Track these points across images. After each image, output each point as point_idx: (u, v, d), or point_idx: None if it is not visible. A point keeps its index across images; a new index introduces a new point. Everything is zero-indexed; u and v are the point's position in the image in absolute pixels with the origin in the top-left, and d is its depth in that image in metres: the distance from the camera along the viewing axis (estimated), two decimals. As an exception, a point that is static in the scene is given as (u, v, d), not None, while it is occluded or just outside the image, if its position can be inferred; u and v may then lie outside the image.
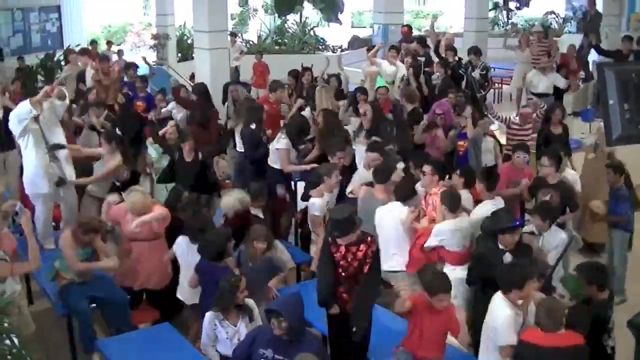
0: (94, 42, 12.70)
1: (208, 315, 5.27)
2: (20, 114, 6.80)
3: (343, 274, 5.20)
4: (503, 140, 9.30)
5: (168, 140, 7.78)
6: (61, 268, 6.00)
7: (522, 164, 7.49)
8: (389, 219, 6.35)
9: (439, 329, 5.07)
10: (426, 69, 11.42)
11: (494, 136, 8.95)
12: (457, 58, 11.92)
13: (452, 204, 6.09)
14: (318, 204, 6.96)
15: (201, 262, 5.89)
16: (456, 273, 5.80)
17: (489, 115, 9.42)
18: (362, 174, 7.34)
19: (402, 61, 11.49)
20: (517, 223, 5.70)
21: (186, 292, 6.21)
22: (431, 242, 6.09)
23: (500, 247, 5.57)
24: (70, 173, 7.25)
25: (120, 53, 16.07)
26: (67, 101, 7.52)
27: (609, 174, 7.21)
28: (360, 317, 5.15)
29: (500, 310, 4.77)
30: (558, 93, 11.78)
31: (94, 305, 6.10)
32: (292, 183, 8.45)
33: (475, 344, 5.56)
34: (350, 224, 5.10)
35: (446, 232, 6.02)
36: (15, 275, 5.45)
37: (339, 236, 5.12)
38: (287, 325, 4.58)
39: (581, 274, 5.16)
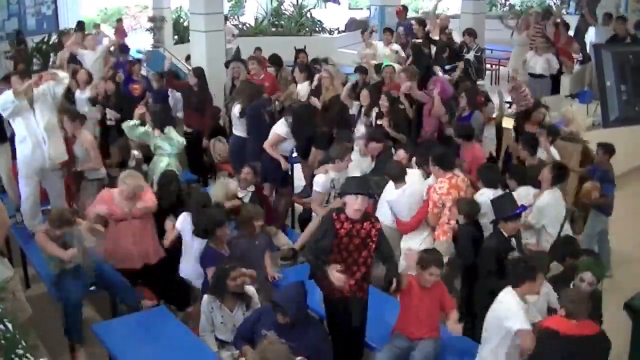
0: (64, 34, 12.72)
1: (205, 298, 5.33)
2: (3, 102, 6.80)
3: (343, 252, 4.95)
4: (507, 124, 9.05)
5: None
6: None
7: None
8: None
9: (431, 308, 5.10)
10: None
11: (499, 125, 8.75)
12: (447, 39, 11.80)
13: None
14: (321, 180, 6.97)
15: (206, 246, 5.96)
16: None
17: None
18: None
19: (398, 43, 11.39)
20: (520, 210, 5.65)
21: (189, 271, 6.28)
22: None
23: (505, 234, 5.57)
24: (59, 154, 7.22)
25: (120, 22, 15.95)
26: (67, 81, 7.29)
27: (599, 153, 7.14)
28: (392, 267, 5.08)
29: (509, 302, 4.64)
30: (556, 75, 11.73)
31: (92, 288, 6.13)
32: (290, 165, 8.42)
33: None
34: (365, 183, 5.10)
35: None
36: None
37: (351, 192, 4.91)
38: (290, 318, 4.68)
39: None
